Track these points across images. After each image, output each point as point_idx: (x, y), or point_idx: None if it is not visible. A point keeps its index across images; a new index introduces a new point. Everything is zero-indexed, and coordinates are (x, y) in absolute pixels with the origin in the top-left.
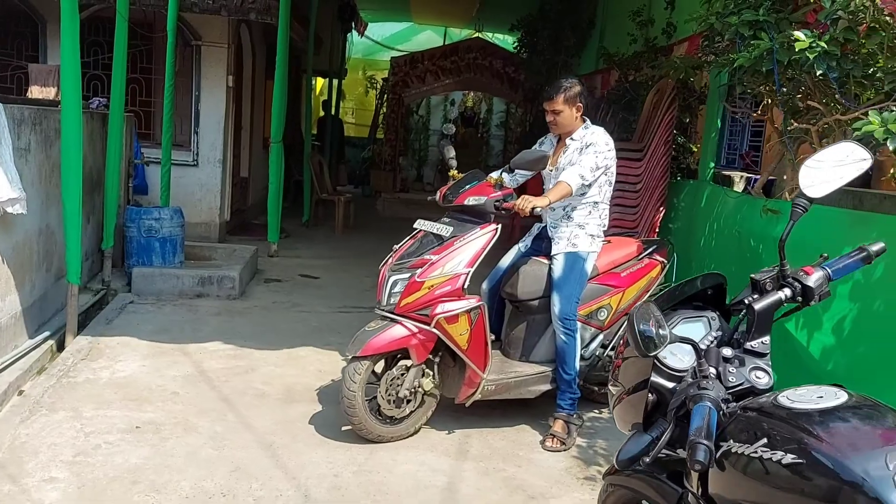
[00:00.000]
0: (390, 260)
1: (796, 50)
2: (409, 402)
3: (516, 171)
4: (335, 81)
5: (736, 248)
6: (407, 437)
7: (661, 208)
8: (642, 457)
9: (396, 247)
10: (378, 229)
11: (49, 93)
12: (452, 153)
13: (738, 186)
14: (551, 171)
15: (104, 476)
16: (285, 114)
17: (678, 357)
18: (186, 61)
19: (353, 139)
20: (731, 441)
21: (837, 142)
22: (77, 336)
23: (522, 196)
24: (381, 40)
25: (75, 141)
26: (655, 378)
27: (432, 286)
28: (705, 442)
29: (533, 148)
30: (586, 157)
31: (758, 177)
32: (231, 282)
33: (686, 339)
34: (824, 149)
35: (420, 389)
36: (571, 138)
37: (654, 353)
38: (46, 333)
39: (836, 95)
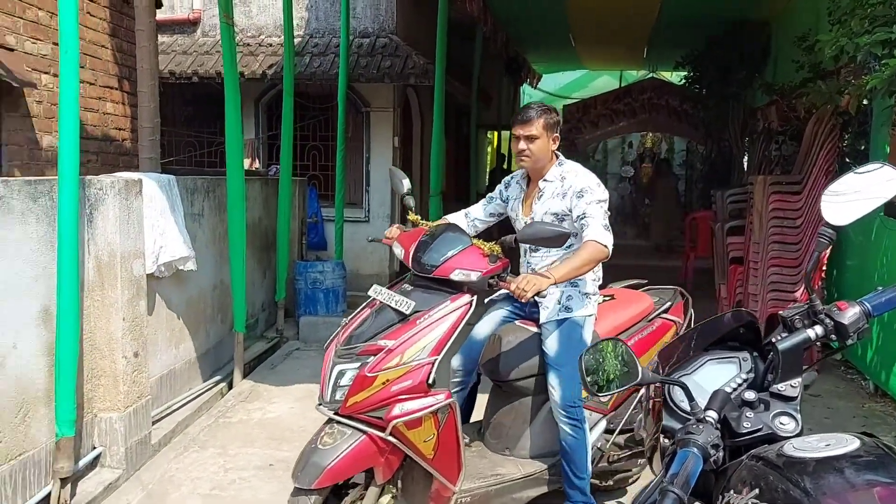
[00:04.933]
0: (337, 338)
1: None
2: None
3: (475, 218)
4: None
5: None
6: None
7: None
8: None
9: (346, 320)
10: None
11: (245, 163)
12: (407, 185)
13: None
14: (526, 221)
15: None
16: (444, 168)
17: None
18: (358, 127)
19: None
20: (732, 492)
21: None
22: (243, 379)
23: (523, 276)
24: (557, 90)
25: (239, 206)
26: (668, 421)
27: (387, 381)
28: (677, 491)
29: (497, 189)
30: (591, 207)
31: None
32: None
33: (676, 382)
34: (846, 174)
35: None
36: (545, 179)
37: (603, 395)
38: (217, 378)
39: None
